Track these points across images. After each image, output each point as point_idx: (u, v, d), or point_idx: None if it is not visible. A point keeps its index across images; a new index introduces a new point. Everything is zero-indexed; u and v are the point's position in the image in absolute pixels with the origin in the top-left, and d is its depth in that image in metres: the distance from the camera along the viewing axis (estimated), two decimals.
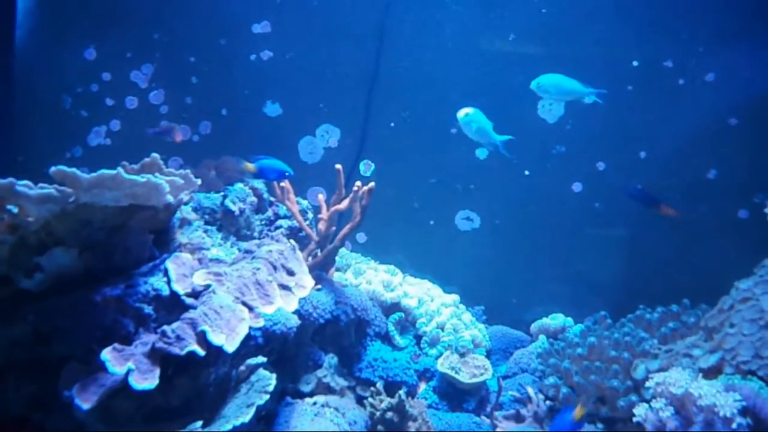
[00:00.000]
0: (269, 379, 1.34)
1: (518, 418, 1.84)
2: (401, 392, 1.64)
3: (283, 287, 1.39)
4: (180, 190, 1.35)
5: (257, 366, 1.40)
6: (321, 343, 1.88)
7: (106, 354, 1.09)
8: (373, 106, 2.82)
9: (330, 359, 1.84)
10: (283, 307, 1.34)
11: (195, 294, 1.27)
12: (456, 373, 1.92)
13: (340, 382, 1.82)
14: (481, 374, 1.94)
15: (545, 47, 2.66)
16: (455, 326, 2.16)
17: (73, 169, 1.11)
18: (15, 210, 1.12)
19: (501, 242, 2.78)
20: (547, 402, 1.85)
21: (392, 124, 2.81)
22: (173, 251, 1.42)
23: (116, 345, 1.13)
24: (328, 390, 1.78)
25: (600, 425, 1.72)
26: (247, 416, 1.18)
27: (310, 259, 2.01)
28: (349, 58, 2.79)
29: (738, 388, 1.35)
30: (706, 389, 1.34)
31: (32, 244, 1.16)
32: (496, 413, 1.85)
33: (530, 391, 1.89)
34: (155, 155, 1.37)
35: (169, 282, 1.28)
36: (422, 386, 2.00)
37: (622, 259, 2.70)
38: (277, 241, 1.56)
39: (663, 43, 2.55)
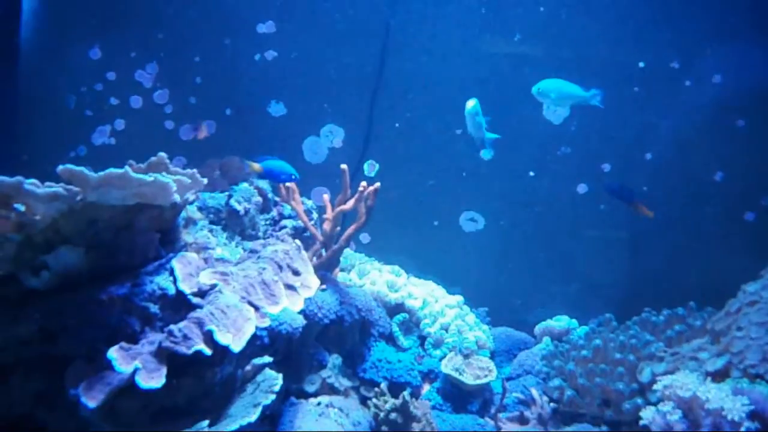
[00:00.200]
0: (275, 379, 1.33)
1: (522, 420, 1.83)
2: (405, 393, 1.64)
3: (289, 287, 1.39)
4: (187, 189, 1.35)
5: (263, 366, 1.40)
6: (325, 344, 1.87)
7: (113, 353, 1.09)
8: (378, 107, 2.82)
9: (334, 359, 1.83)
10: (288, 307, 1.33)
11: (201, 293, 1.27)
12: (460, 374, 1.92)
13: (344, 383, 1.82)
14: (485, 376, 1.94)
15: (551, 49, 2.66)
16: (459, 327, 2.15)
17: (81, 168, 1.10)
18: (22, 208, 1.11)
19: (505, 243, 2.77)
20: (552, 404, 1.84)
21: (397, 125, 2.81)
22: (179, 250, 1.41)
23: (123, 344, 1.13)
24: (333, 390, 1.78)
25: (605, 428, 1.71)
26: (253, 416, 1.17)
27: (314, 259, 2.01)
28: (353, 58, 2.79)
29: (746, 391, 1.35)
30: (713, 393, 1.34)
31: (39, 242, 1.16)
32: (500, 415, 1.84)
33: (534, 392, 1.88)
34: (162, 154, 1.36)
35: (175, 281, 1.28)
36: (426, 387, 1.99)
37: (628, 260, 2.70)
38: (282, 241, 1.55)
39: (670, 44, 2.55)
